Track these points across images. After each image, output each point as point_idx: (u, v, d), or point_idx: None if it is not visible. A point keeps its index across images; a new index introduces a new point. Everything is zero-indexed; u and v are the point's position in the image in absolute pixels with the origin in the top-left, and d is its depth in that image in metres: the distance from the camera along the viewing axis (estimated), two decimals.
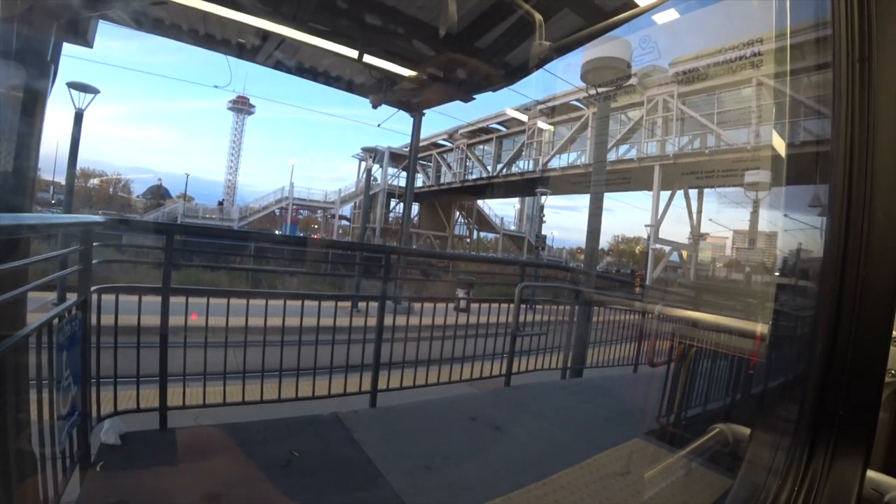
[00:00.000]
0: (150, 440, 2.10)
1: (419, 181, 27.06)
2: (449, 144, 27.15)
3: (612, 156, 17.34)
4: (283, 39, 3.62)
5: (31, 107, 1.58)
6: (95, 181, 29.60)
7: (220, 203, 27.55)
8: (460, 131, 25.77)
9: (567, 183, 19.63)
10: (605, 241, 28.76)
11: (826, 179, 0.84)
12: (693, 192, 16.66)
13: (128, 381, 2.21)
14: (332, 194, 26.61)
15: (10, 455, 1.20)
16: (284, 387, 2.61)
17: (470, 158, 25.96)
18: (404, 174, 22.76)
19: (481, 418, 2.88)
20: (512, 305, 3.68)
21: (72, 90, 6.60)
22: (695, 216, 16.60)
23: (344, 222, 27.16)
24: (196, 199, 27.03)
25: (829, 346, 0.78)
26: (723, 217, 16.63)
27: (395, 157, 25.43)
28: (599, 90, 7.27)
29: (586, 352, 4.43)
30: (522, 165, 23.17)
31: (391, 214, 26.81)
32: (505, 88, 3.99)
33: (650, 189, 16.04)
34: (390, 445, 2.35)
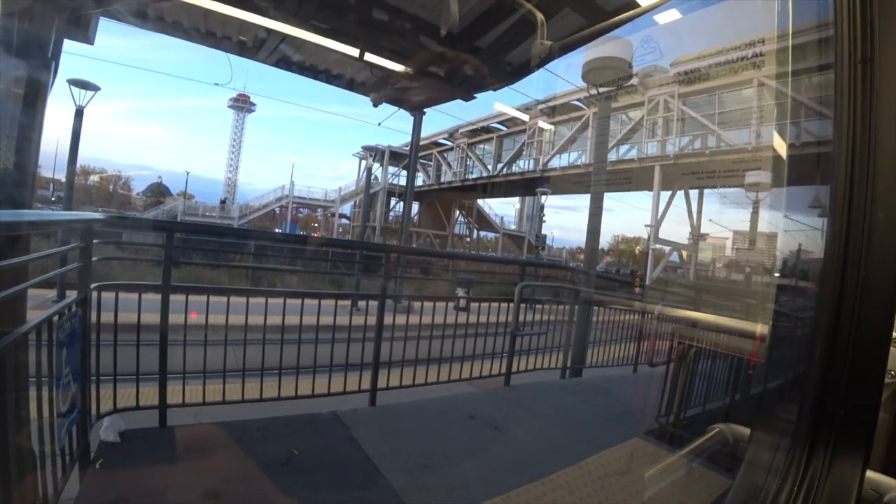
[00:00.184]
0: (150, 438, 2.10)
1: (419, 180, 27.05)
2: (449, 143, 27.13)
3: (612, 156, 17.36)
4: (284, 37, 3.61)
5: (32, 103, 1.57)
6: (95, 178, 29.66)
7: (223, 201, 27.58)
8: (461, 130, 25.76)
9: (567, 183, 19.64)
10: (605, 241, 28.80)
11: (827, 180, 0.83)
12: (693, 193, 16.72)
13: (127, 379, 2.22)
14: (333, 193, 26.59)
15: (9, 452, 1.20)
16: (284, 385, 2.61)
17: (470, 157, 25.95)
18: (405, 173, 22.76)
19: (480, 417, 2.88)
20: (511, 305, 3.69)
21: (72, 87, 6.59)
22: (695, 216, 16.64)
23: (344, 221, 27.17)
24: (196, 197, 27.06)
25: (829, 347, 0.78)
26: (723, 217, 16.70)
27: (396, 156, 25.40)
28: (600, 90, 7.26)
29: (586, 351, 4.43)
30: (523, 165, 23.19)
31: (391, 213, 26.80)
32: (506, 87, 3.99)
33: (650, 189, 16.06)
34: (389, 444, 2.35)
